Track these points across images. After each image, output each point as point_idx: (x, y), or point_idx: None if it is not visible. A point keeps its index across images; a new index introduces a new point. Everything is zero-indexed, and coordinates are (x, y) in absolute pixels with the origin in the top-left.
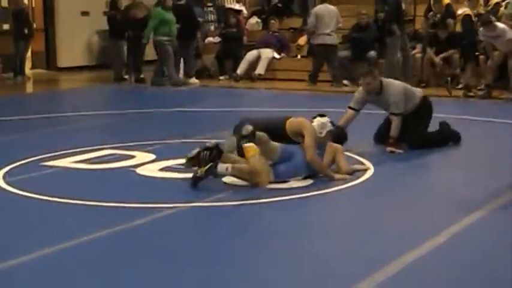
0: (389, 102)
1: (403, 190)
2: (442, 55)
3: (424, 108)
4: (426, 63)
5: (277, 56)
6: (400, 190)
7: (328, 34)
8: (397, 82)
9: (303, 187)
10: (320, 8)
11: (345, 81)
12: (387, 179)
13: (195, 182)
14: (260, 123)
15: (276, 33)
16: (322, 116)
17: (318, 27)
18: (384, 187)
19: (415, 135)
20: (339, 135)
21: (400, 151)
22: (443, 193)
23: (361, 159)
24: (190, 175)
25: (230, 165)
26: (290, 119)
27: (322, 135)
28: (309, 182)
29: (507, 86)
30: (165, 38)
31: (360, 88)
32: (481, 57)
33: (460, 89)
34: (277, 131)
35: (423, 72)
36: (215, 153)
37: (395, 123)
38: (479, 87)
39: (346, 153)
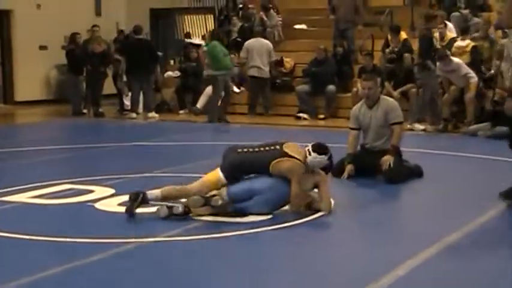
0: (388, 111)
1: (362, 223)
2: (400, 89)
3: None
4: None
5: (236, 90)
6: (359, 223)
7: (258, 67)
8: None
9: (265, 220)
10: (251, 42)
11: (304, 115)
12: (346, 212)
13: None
14: (247, 157)
15: (236, 67)
16: (321, 148)
17: (249, 60)
18: (342, 221)
19: (394, 168)
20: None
21: (390, 163)
22: (401, 226)
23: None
24: (150, 209)
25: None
26: (275, 161)
27: (315, 171)
28: (269, 216)
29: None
30: (219, 73)
31: (355, 107)
32: (439, 91)
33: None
34: (262, 170)
35: None
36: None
37: (397, 131)
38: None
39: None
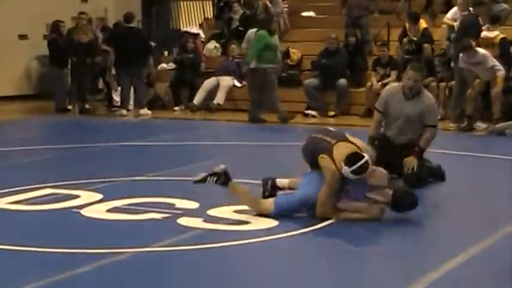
0: (425, 111)
1: (375, 231)
2: None
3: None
4: None
5: (238, 84)
6: (372, 231)
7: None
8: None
9: (265, 229)
10: (252, 31)
11: (313, 112)
12: (351, 223)
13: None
14: (311, 143)
15: (237, 59)
16: (348, 159)
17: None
18: (345, 232)
19: (417, 173)
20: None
21: (414, 166)
22: (420, 234)
23: None
24: (141, 217)
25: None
26: (320, 156)
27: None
28: (274, 223)
29: (491, 117)
30: (270, 66)
31: (388, 87)
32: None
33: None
34: (314, 161)
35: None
36: (222, 180)
37: (430, 135)
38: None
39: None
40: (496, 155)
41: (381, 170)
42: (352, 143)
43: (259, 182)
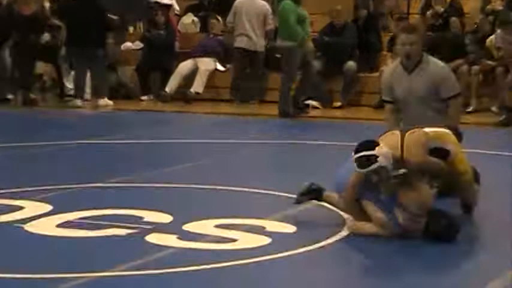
0: (438, 80)
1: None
2: None
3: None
4: None
5: (220, 67)
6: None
7: (248, 36)
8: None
9: (256, 248)
10: (241, 2)
11: (314, 103)
12: (366, 239)
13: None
14: None
15: (219, 37)
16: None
17: (236, 26)
18: (352, 250)
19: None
20: None
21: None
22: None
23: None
24: (100, 233)
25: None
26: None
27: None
28: (266, 240)
29: None
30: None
31: (385, 67)
32: (499, 69)
33: (470, 112)
34: None
35: (471, 90)
36: (314, 196)
37: (455, 108)
38: (493, 109)
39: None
40: None
41: (424, 193)
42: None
43: (257, 190)
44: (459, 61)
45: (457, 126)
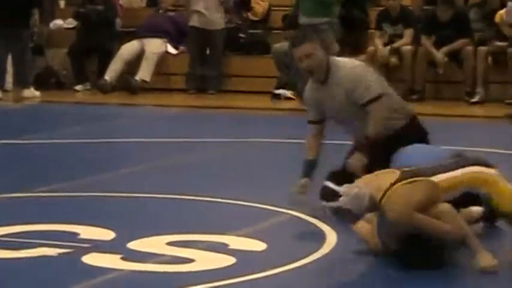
0: (349, 86)
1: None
2: (446, 48)
3: (414, 135)
4: (421, 61)
5: (172, 50)
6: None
7: (201, 13)
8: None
9: (217, 270)
10: None
11: (287, 93)
12: (353, 256)
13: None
14: None
15: (171, 13)
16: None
17: (190, 2)
18: (340, 271)
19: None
20: None
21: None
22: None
23: (315, 221)
24: (26, 253)
25: None
26: None
27: None
28: (230, 261)
29: None
30: (324, 20)
31: (307, 87)
32: (510, 50)
33: (476, 102)
34: None
35: (416, 77)
36: None
37: (376, 113)
38: (507, 101)
39: (291, 212)
40: None
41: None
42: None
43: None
44: (463, 41)
45: (377, 136)
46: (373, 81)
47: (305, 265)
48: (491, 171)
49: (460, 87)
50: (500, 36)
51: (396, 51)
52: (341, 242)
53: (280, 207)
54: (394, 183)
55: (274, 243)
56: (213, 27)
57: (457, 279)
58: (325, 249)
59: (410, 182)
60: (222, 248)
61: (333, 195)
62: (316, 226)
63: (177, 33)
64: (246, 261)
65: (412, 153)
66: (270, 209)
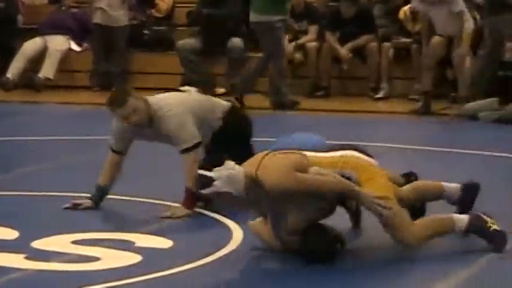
0: (169, 135)
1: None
2: (350, 44)
3: (234, 130)
4: (325, 57)
5: (76, 47)
6: (269, 272)
7: (103, 9)
8: (173, 95)
9: (123, 268)
10: None
11: (193, 90)
12: (259, 252)
13: None
14: None
15: (74, 10)
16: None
17: None
18: (245, 269)
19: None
20: None
21: (186, 214)
22: None
23: (221, 218)
24: None
25: None
26: None
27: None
28: (136, 258)
29: (448, 94)
30: (277, 18)
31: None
32: (415, 46)
33: (380, 98)
34: None
35: (321, 73)
36: None
37: (186, 166)
38: (411, 96)
39: (196, 209)
40: (463, 149)
41: (292, 221)
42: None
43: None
44: (367, 37)
45: (195, 188)
46: (190, 129)
47: (211, 262)
48: (369, 159)
49: (365, 83)
50: (403, 32)
51: (301, 48)
52: (247, 238)
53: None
54: (266, 155)
55: (181, 241)
56: (116, 24)
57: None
58: (231, 245)
59: (281, 153)
60: (128, 246)
61: (209, 183)
62: (222, 223)
63: (80, 30)
64: (152, 258)
65: (285, 143)
66: (177, 207)
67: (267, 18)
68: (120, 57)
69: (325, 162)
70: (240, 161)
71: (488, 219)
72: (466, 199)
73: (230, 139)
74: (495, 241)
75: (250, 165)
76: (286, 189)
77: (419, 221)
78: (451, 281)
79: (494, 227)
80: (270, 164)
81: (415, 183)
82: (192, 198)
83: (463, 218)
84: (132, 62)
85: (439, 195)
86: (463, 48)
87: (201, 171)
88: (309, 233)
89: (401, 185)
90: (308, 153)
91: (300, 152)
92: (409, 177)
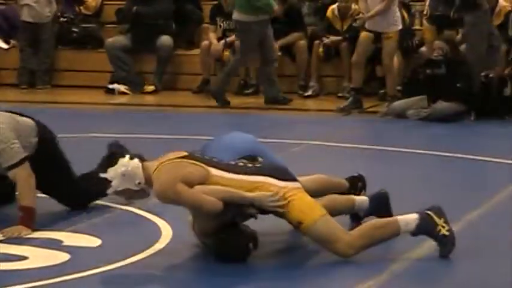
0: None
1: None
2: (280, 41)
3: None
4: None
5: (3, 45)
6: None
7: (30, 6)
8: None
9: (51, 267)
10: None
11: (121, 87)
12: (188, 249)
13: None
14: None
15: (1, 7)
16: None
17: None
18: (175, 266)
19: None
20: None
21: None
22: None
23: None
24: None
25: None
26: None
27: None
28: (64, 257)
29: (376, 91)
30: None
31: None
32: (344, 44)
33: (310, 96)
34: None
35: (250, 71)
36: None
37: (20, 183)
38: (340, 94)
39: (125, 207)
40: (392, 147)
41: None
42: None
43: None
44: (296, 34)
45: (29, 206)
46: (14, 144)
47: (140, 260)
48: (286, 184)
49: (294, 81)
50: (332, 30)
51: (230, 45)
52: (176, 235)
53: (113, 202)
54: (168, 160)
55: (109, 239)
56: (43, 21)
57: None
58: (160, 243)
59: (179, 163)
60: (56, 245)
61: (107, 184)
62: (150, 220)
63: (7, 27)
64: (80, 257)
65: (214, 144)
66: (103, 204)
67: (245, 18)
68: (46, 55)
69: (233, 185)
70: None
71: (438, 220)
72: (378, 209)
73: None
74: (442, 246)
75: (156, 162)
76: (166, 199)
77: (358, 229)
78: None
79: (444, 230)
80: (163, 170)
81: (330, 196)
82: (30, 216)
83: (411, 220)
84: (60, 60)
85: (350, 208)
86: (389, 45)
87: (100, 175)
88: (220, 233)
89: (346, 189)
90: (216, 172)
91: (206, 166)
92: (355, 180)
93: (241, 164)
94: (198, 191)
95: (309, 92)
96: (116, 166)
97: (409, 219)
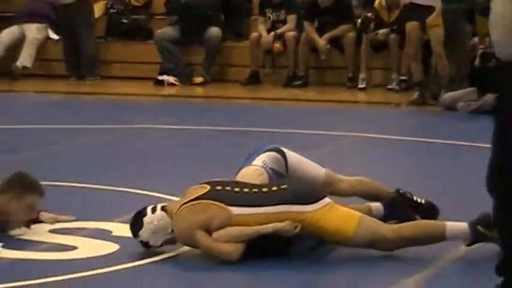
0: None
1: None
2: (328, 34)
3: None
4: (303, 47)
5: (54, 36)
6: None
7: None
8: None
9: (101, 257)
10: None
11: (171, 79)
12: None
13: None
14: None
15: None
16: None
17: None
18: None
19: None
20: None
21: None
22: None
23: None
24: None
25: None
26: None
27: None
28: (113, 247)
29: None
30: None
31: None
32: (392, 37)
33: (359, 88)
34: None
35: (298, 63)
36: None
37: None
38: (389, 86)
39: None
40: (438, 139)
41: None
42: None
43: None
44: (344, 27)
45: None
46: None
47: (190, 250)
48: (312, 208)
49: (343, 73)
50: (380, 22)
51: (280, 37)
52: None
53: (161, 193)
54: (186, 203)
55: None
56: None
57: None
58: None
59: (202, 202)
60: (105, 235)
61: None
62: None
63: (58, 19)
64: (129, 248)
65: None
66: (152, 195)
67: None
68: (87, 47)
69: (257, 221)
70: None
71: (488, 233)
72: (392, 213)
73: None
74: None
75: (176, 205)
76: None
77: (399, 226)
78: None
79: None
80: (181, 216)
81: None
82: None
83: (458, 232)
84: (109, 51)
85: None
86: (437, 34)
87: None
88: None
89: (389, 195)
90: (237, 211)
91: (226, 206)
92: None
93: (265, 189)
94: (215, 239)
95: (363, 85)
96: (144, 227)
97: (457, 230)
